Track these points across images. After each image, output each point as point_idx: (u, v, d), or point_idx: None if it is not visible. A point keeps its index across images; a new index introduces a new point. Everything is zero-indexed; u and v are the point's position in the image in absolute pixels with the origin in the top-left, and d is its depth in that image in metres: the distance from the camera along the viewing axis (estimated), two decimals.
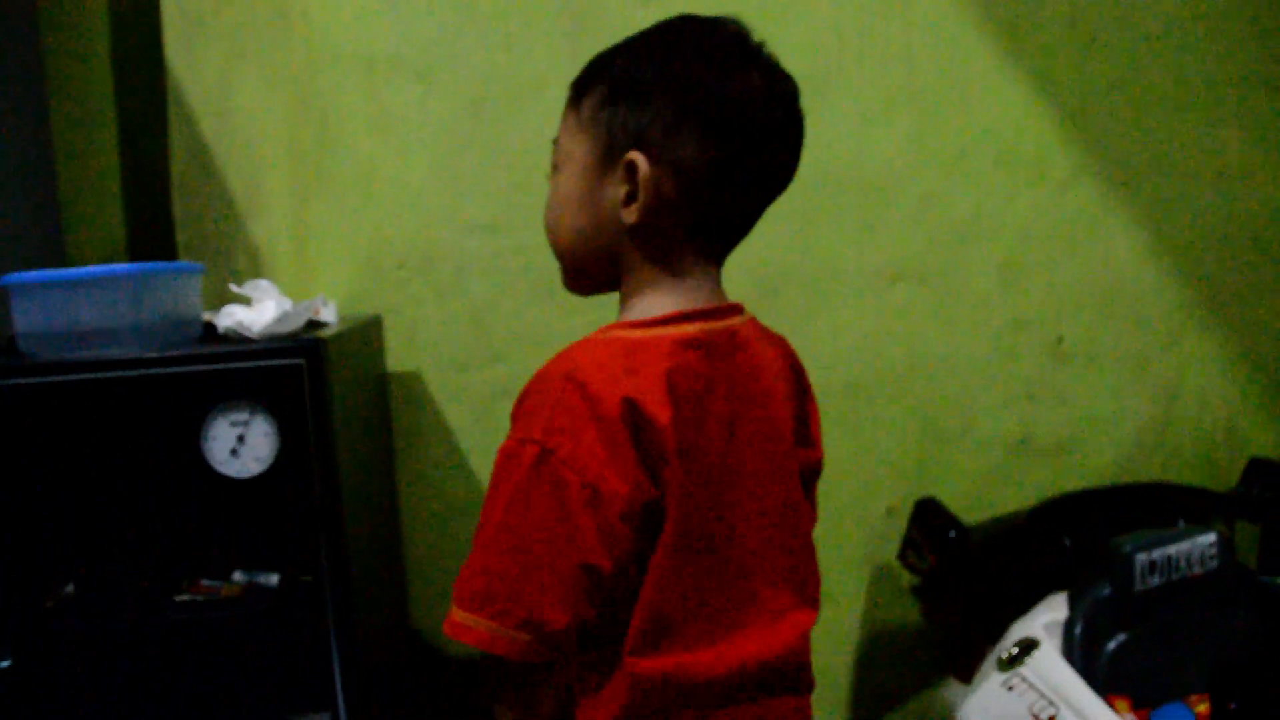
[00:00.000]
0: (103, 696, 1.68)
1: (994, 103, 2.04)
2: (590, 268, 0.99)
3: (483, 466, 2.05)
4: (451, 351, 2.02)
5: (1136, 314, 2.10)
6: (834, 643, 2.12)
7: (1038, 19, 2.03)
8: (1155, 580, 1.61)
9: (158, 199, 1.98)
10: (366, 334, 1.89)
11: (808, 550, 1.04)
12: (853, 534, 2.10)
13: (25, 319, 1.53)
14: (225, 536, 1.72)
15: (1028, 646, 1.60)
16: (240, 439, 1.58)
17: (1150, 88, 2.06)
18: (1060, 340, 2.09)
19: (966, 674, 1.74)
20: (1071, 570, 1.72)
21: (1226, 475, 2.06)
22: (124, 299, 1.51)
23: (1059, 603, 1.66)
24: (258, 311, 1.60)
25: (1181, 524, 1.76)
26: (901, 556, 1.97)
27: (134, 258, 1.88)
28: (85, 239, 1.87)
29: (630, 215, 0.93)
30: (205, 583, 1.67)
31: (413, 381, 2.03)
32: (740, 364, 0.97)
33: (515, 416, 0.90)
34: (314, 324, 1.68)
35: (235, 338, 1.57)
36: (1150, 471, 2.11)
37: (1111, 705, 1.49)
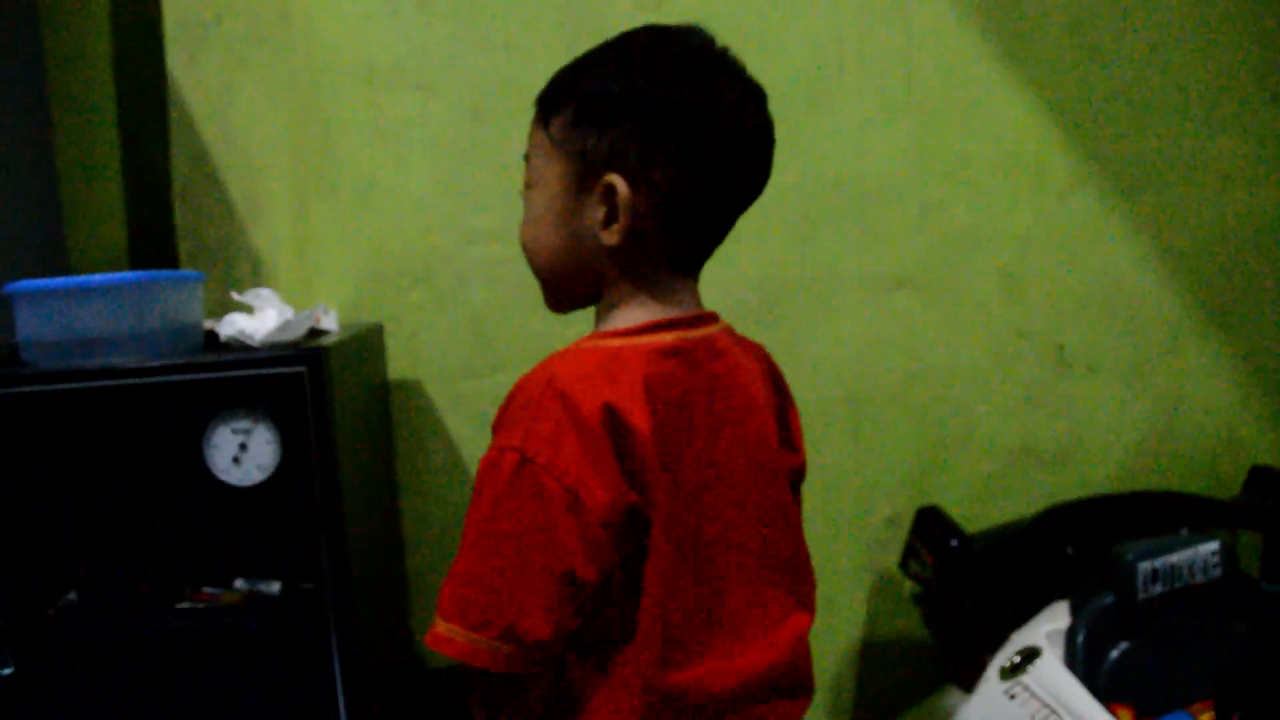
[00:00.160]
0: (104, 704, 1.67)
1: (995, 110, 2.04)
2: (569, 285, 0.99)
3: None
4: (452, 359, 2.02)
5: (1138, 322, 2.10)
6: (835, 651, 2.12)
7: (1039, 26, 2.03)
8: (1158, 589, 1.61)
9: (159, 207, 1.98)
10: (368, 342, 1.89)
11: (802, 553, 1.04)
12: (854, 542, 2.09)
13: (28, 327, 1.53)
14: (227, 544, 1.72)
15: (1030, 655, 1.60)
16: (242, 447, 1.58)
17: (1151, 96, 2.06)
18: (1061, 348, 2.09)
19: (968, 682, 1.74)
20: (1073, 578, 1.71)
21: (1229, 483, 2.06)
22: (126, 307, 1.51)
23: (1061, 611, 1.65)
24: (259, 320, 1.61)
25: (1184, 532, 1.75)
26: (903, 565, 1.97)
27: (136, 266, 1.88)
28: (87, 247, 1.87)
29: (611, 237, 0.93)
30: (207, 590, 1.67)
31: (414, 389, 2.03)
32: (719, 371, 0.97)
33: (496, 426, 0.91)
34: (315, 332, 1.68)
35: (237, 346, 1.57)
36: (1152, 480, 2.10)
37: (1114, 714, 1.49)
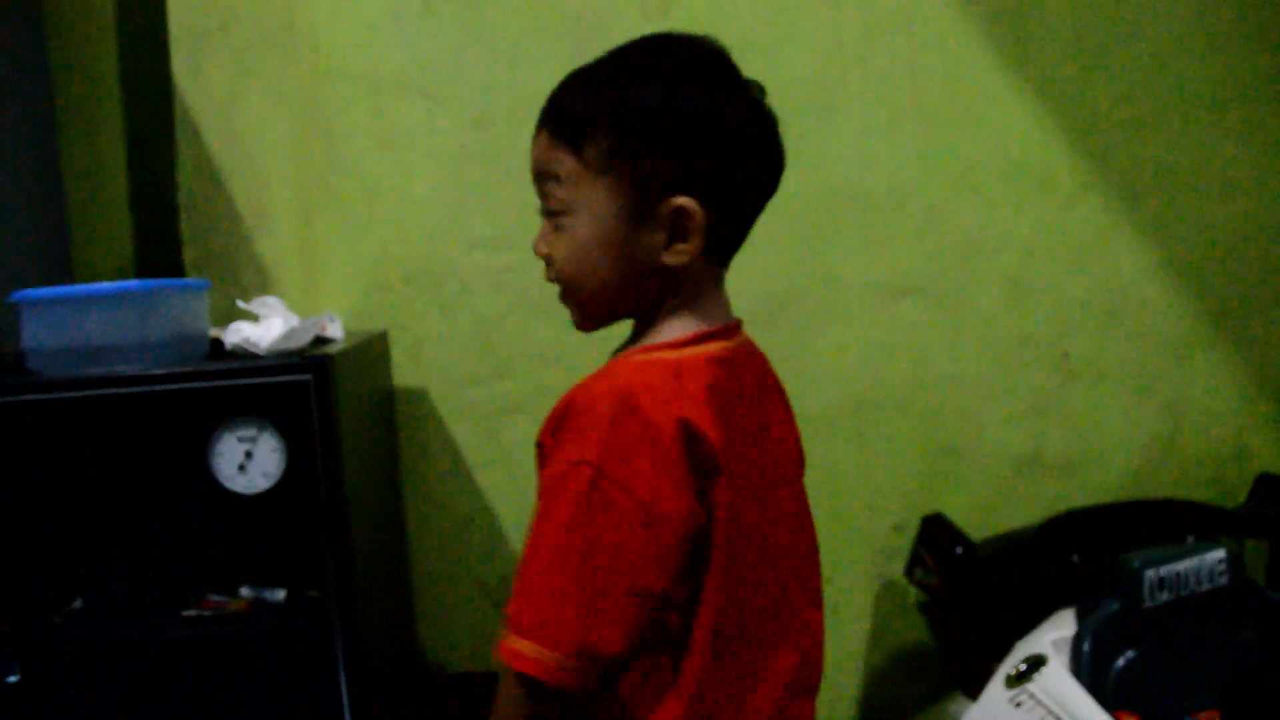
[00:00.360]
0: (110, 710, 1.68)
1: (999, 117, 2.04)
2: (612, 307, 0.97)
3: (489, 481, 2.05)
4: (457, 367, 2.02)
5: (1143, 329, 2.09)
6: (841, 658, 2.11)
7: (1043, 33, 2.03)
8: (1164, 597, 1.60)
9: (165, 216, 1.99)
10: (373, 350, 1.89)
11: (816, 552, 1.06)
12: (860, 550, 2.09)
13: (34, 335, 1.54)
14: (232, 551, 1.72)
15: (1035, 663, 1.60)
16: (248, 454, 1.58)
17: (1156, 102, 2.06)
18: (1067, 355, 2.09)
19: (974, 690, 1.73)
20: (1079, 586, 1.71)
21: (1235, 491, 2.05)
22: (132, 315, 1.52)
23: (1067, 619, 1.65)
24: (265, 328, 1.61)
25: (1190, 540, 1.75)
26: (909, 573, 1.96)
27: (142, 274, 1.89)
28: (94, 256, 1.88)
29: (676, 257, 0.91)
30: (212, 598, 1.67)
31: (419, 397, 2.03)
32: (753, 378, 0.99)
33: (562, 439, 0.88)
34: (321, 340, 1.69)
35: (243, 354, 1.57)
36: (1158, 487, 2.10)
37: None
